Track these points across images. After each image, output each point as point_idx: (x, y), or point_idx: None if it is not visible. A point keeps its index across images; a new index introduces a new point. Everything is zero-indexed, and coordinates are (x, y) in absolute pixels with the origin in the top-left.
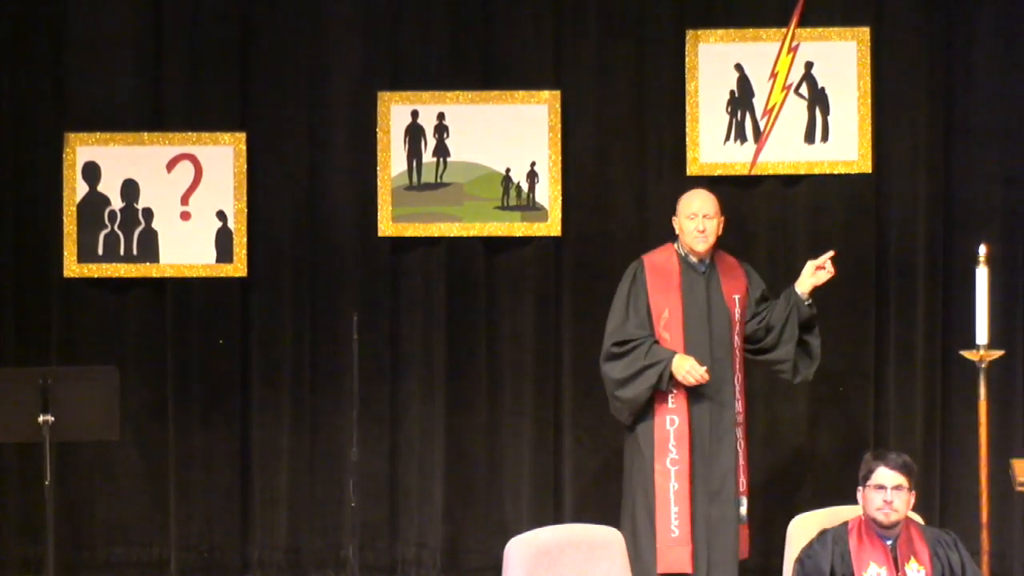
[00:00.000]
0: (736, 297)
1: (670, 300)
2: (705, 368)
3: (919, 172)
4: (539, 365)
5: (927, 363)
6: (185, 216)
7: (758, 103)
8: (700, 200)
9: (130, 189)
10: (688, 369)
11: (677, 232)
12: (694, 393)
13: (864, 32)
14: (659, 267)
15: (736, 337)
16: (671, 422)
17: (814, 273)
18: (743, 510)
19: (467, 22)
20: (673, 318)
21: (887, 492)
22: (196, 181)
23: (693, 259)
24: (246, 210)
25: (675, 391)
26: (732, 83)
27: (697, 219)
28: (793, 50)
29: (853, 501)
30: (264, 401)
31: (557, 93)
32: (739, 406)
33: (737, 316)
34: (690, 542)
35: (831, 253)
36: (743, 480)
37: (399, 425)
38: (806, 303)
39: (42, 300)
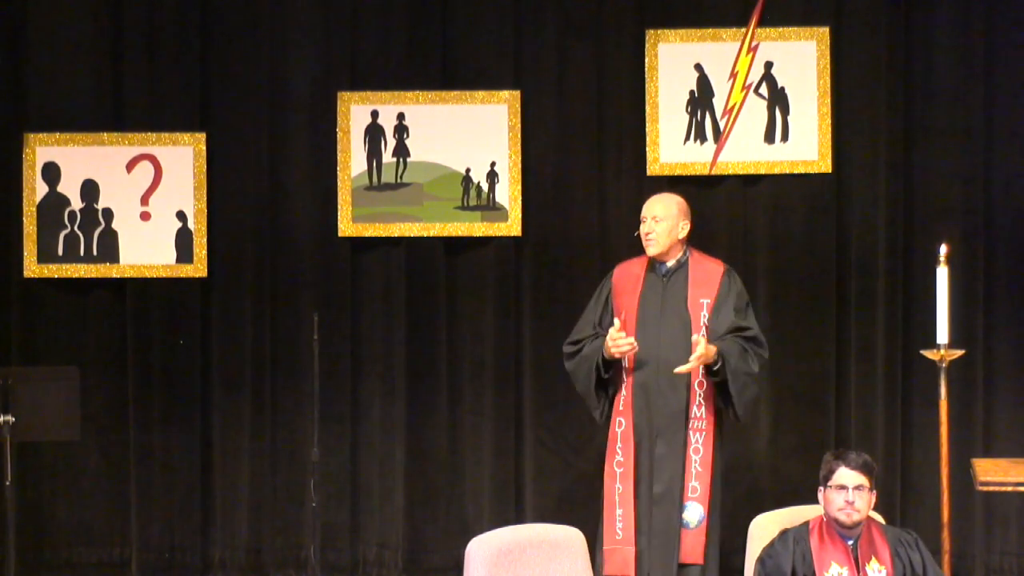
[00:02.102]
0: (705, 302)
1: (629, 303)
2: (628, 340)
3: (879, 172)
4: (500, 365)
5: (888, 363)
6: (145, 216)
7: (718, 103)
8: (653, 202)
9: (90, 189)
10: (609, 342)
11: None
12: (641, 396)
13: (824, 32)
14: (628, 271)
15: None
16: (619, 424)
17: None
18: (688, 515)
19: (427, 22)
20: (628, 320)
21: (848, 492)
22: (156, 181)
23: (657, 263)
24: (206, 210)
25: (625, 393)
26: (692, 83)
27: (646, 222)
28: (753, 50)
29: (814, 501)
30: (225, 401)
31: (517, 93)
32: (700, 411)
33: (704, 320)
34: (633, 544)
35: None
36: (696, 485)
37: (360, 425)
38: (714, 367)
39: (2, 300)
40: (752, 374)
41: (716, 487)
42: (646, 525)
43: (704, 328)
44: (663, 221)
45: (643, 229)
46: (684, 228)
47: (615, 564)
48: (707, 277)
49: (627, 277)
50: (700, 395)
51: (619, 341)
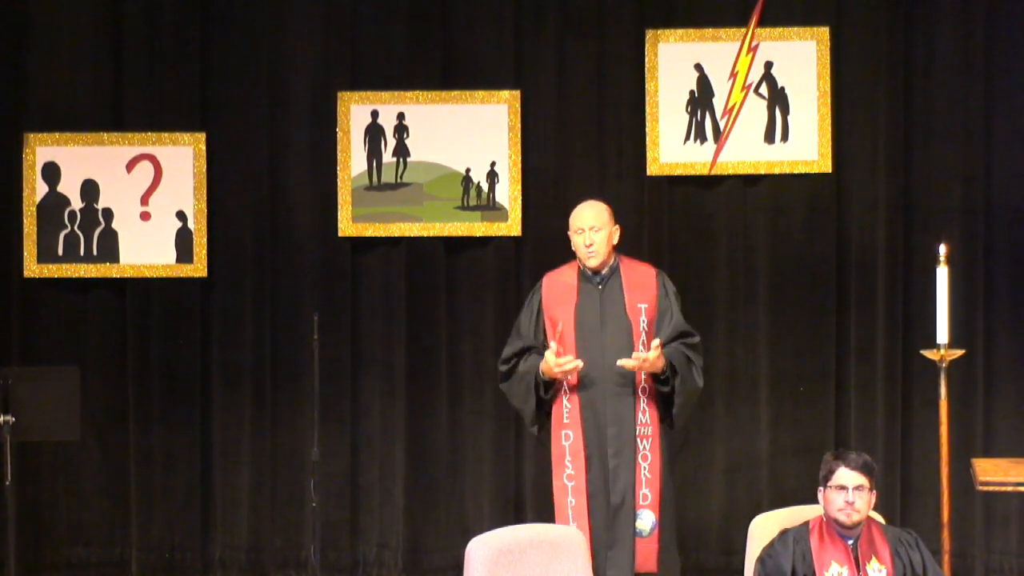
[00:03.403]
0: (643, 306)
1: (564, 314)
2: (572, 360)
3: (879, 172)
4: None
5: (888, 362)
6: (145, 216)
7: (718, 103)
8: (586, 213)
9: (90, 189)
10: (552, 364)
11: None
12: (589, 407)
13: (824, 32)
14: (558, 283)
15: (641, 348)
16: (566, 437)
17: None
18: (641, 523)
19: (427, 22)
20: (566, 331)
21: (848, 492)
22: (156, 181)
23: (589, 272)
24: (206, 210)
25: (570, 405)
26: (692, 83)
27: (584, 234)
28: (753, 50)
29: (814, 501)
30: (225, 401)
31: (517, 93)
32: (645, 416)
33: (643, 326)
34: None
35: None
36: (647, 493)
37: (360, 425)
38: (662, 375)
39: (2, 300)
40: (697, 390)
41: (667, 492)
42: (606, 537)
43: (644, 333)
44: (601, 230)
45: (582, 241)
46: (616, 233)
47: None
48: (641, 281)
49: (557, 287)
50: (644, 401)
51: (563, 363)
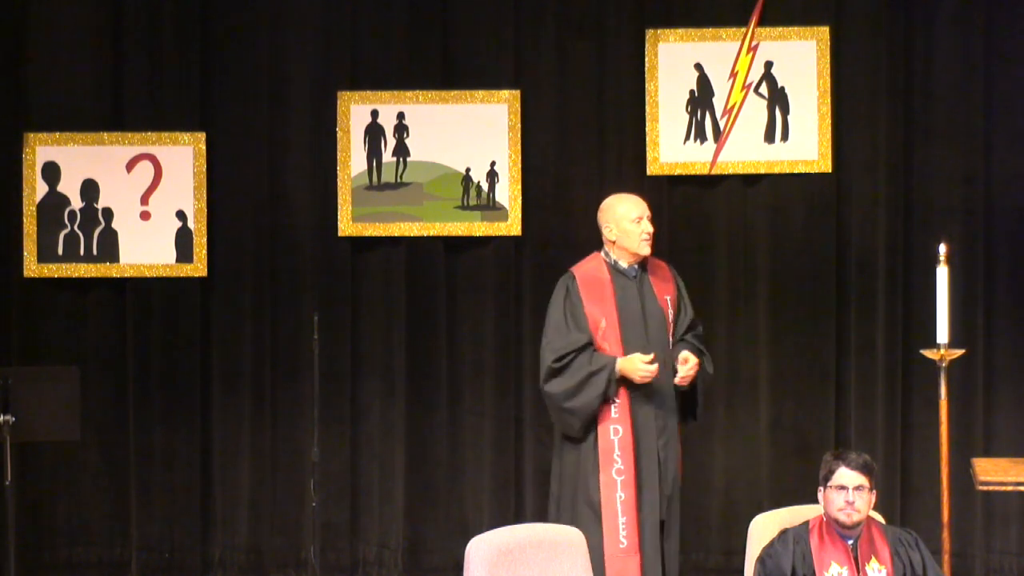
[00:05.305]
0: (668, 299)
1: (605, 310)
2: (651, 356)
3: (879, 171)
4: (500, 364)
5: (888, 362)
6: (145, 216)
7: (718, 103)
8: (642, 203)
9: (90, 189)
10: (639, 367)
11: (612, 239)
12: (637, 400)
13: (824, 32)
14: (590, 277)
15: (671, 339)
16: (615, 431)
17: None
18: None
19: (426, 21)
20: (610, 328)
21: (848, 492)
22: (156, 181)
23: (623, 265)
24: (206, 210)
25: (618, 400)
26: (692, 82)
27: (644, 222)
28: (753, 49)
29: (814, 500)
30: (225, 401)
31: (517, 92)
32: (677, 409)
33: (671, 318)
34: (638, 551)
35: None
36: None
37: (360, 425)
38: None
39: (2, 300)
40: (709, 377)
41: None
42: (650, 530)
43: (671, 326)
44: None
45: (645, 228)
46: None
47: (618, 573)
48: (662, 275)
49: (591, 281)
50: (674, 394)
51: (651, 368)
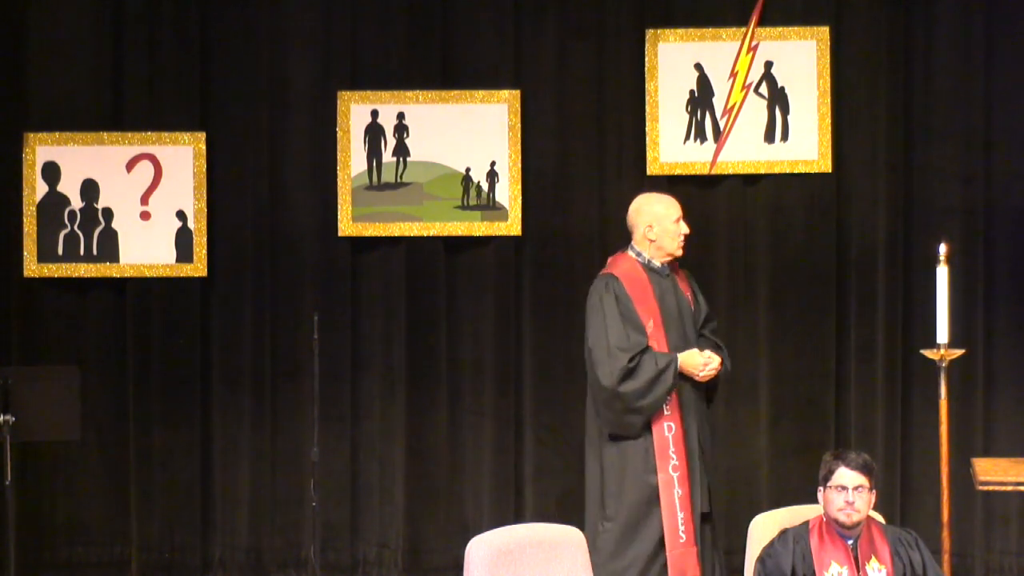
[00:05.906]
0: (689, 296)
1: (650, 309)
2: (707, 352)
3: (879, 171)
4: (500, 364)
5: (888, 362)
6: (145, 216)
7: (718, 102)
8: (678, 204)
9: (90, 189)
10: (703, 362)
11: (651, 238)
12: (683, 396)
13: (823, 31)
14: (632, 279)
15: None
16: (669, 428)
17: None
18: None
19: (426, 21)
20: (656, 327)
21: (848, 493)
22: (156, 181)
23: (656, 264)
24: (206, 210)
25: (669, 397)
26: (692, 82)
27: (681, 223)
28: (753, 49)
29: (814, 500)
30: (224, 401)
31: (517, 92)
32: None
33: (694, 315)
34: (695, 543)
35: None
36: None
37: (360, 425)
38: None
39: (2, 300)
40: (726, 372)
41: None
42: (699, 522)
43: (694, 323)
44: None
45: (681, 230)
46: None
47: (680, 567)
48: (680, 273)
49: (632, 280)
50: None
51: (715, 364)
